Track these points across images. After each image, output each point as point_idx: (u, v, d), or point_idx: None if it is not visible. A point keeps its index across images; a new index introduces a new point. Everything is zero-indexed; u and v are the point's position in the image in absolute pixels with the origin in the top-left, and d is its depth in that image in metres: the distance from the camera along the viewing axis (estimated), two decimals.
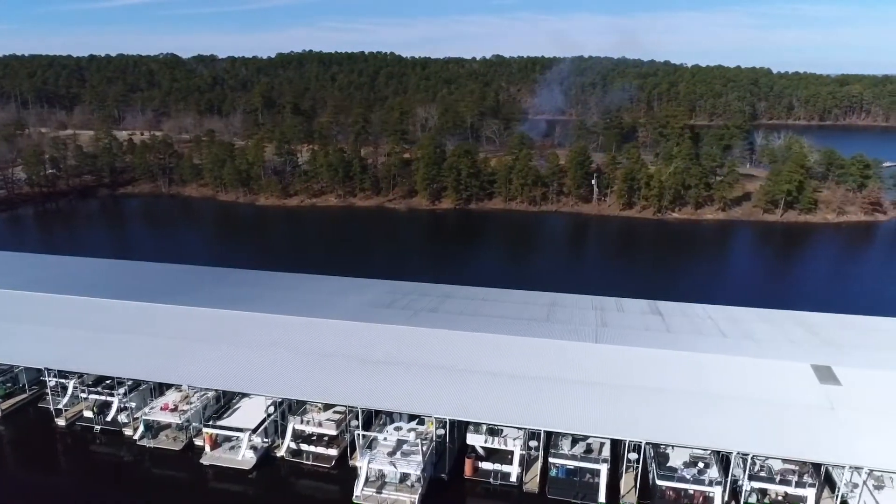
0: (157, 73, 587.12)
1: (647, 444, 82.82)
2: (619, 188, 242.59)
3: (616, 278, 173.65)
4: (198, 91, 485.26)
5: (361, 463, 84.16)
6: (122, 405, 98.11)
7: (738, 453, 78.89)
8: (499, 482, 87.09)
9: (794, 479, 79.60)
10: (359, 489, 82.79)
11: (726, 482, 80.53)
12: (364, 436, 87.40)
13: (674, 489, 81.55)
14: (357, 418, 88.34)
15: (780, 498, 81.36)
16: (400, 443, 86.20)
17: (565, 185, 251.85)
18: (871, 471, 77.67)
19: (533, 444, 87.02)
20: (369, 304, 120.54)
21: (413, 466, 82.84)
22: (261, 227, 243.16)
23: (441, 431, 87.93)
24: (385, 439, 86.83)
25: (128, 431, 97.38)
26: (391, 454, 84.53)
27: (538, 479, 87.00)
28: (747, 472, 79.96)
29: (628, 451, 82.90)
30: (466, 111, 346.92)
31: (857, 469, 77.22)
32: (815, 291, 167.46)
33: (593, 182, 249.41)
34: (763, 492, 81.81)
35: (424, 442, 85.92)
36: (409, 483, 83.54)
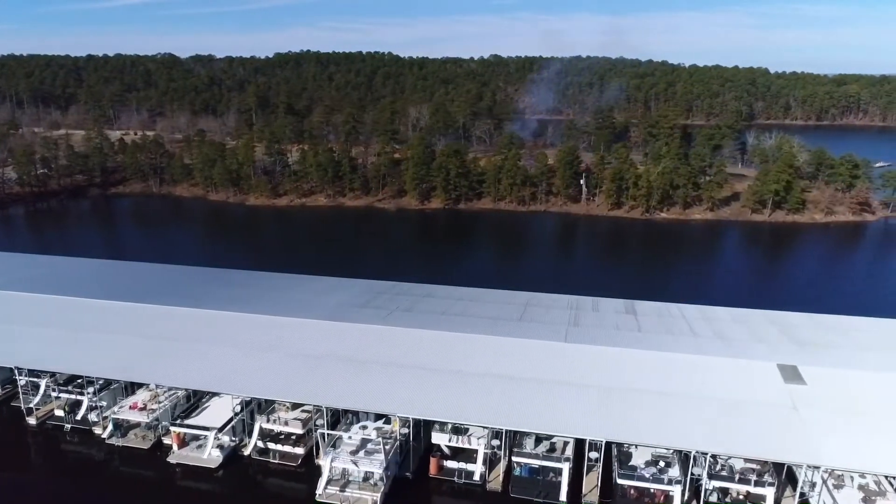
0: (154, 73, 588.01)
1: (609, 443, 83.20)
2: (608, 188, 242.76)
3: (601, 278, 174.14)
4: (194, 91, 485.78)
5: (324, 462, 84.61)
6: (93, 404, 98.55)
7: (697, 452, 79.16)
8: (463, 481, 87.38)
9: (754, 477, 79.89)
10: (321, 488, 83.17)
11: (686, 481, 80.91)
12: (329, 435, 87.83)
13: (636, 488, 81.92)
14: (323, 417, 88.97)
15: (741, 497, 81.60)
16: (364, 442, 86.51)
17: (554, 185, 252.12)
18: (831, 470, 78.08)
19: (495, 442, 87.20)
20: (346, 303, 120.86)
21: (376, 465, 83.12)
22: (249, 226, 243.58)
23: (405, 430, 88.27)
24: (350, 438, 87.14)
25: (98, 430, 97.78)
26: (354, 453, 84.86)
27: (501, 478, 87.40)
28: (707, 471, 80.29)
29: (589, 451, 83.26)
30: (459, 111, 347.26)
31: (815, 468, 77.51)
32: (796, 291, 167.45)
33: (582, 182, 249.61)
34: (725, 491, 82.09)
35: (388, 441, 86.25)
36: (372, 482, 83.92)
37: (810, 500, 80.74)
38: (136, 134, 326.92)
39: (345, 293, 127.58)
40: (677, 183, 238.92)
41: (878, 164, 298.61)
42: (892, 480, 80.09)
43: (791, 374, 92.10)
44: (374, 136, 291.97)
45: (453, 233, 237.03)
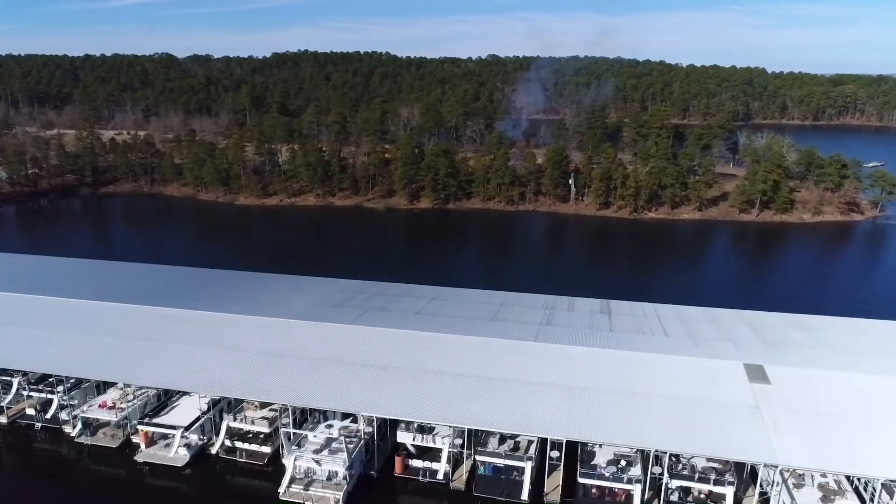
0: (151, 72, 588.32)
1: (574, 442, 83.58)
2: (596, 188, 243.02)
3: (584, 278, 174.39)
4: (190, 91, 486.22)
5: (288, 461, 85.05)
6: (63, 403, 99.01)
7: (657, 451, 79.51)
8: (427, 480, 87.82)
9: (714, 476, 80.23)
10: (284, 486, 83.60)
11: (646, 480, 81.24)
12: (295, 433, 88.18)
13: (597, 487, 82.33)
14: (289, 416, 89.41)
15: (702, 496, 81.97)
16: (329, 441, 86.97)
17: (543, 184, 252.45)
18: (791, 469, 78.47)
19: (458, 441, 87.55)
20: (321, 303, 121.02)
21: (339, 464, 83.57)
22: (238, 226, 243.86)
23: (370, 430, 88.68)
24: (315, 437, 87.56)
25: (68, 429, 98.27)
26: (318, 452, 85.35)
27: (465, 476, 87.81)
28: (667, 469, 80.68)
29: (550, 450, 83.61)
30: (451, 111, 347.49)
31: (773, 467, 77.80)
32: (776, 291, 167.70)
33: (571, 182, 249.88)
34: (687, 490, 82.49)
35: (353, 440, 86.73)
36: (335, 481, 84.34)
37: (771, 498, 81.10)
38: (128, 134, 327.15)
39: (322, 292, 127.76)
40: (665, 183, 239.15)
41: (871, 164, 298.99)
42: (856, 479, 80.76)
43: (757, 373, 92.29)
44: (363, 135, 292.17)
45: (441, 233, 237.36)
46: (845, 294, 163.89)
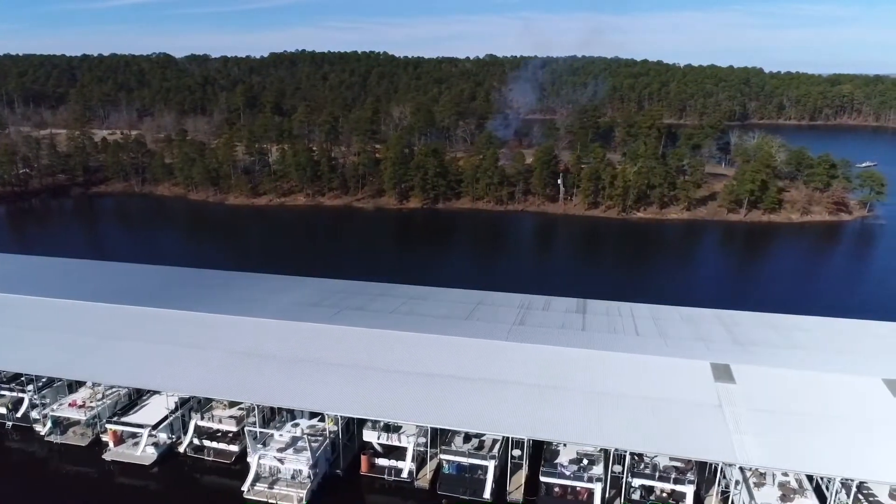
0: (148, 72, 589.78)
1: (538, 441, 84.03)
2: (585, 187, 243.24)
3: (569, 277, 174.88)
4: (187, 90, 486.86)
5: (252, 459, 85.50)
6: (34, 402, 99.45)
7: (617, 450, 79.81)
8: (393, 478, 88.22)
9: (675, 475, 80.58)
10: (247, 485, 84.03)
11: (608, 479, 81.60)
12: (261, 433, 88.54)
13: (559, 485, 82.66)
14: (256, 415, 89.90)
15: (664, 494, 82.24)
16: (294, 440, 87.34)
17: (532, 184, 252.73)
18: (752, 468, 78.73)
19: (421, 440, 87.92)
20: (299, 302, 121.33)
21: (302, 463, 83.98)
22: (227, 226, 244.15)
23: (335, 428, 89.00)
24: (280, 436, 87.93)
25: (38, 428, 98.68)
26: (283, 451, 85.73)
27: (430, 475, 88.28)
28: (628, 468, 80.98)
29: (512, 448, 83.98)
30: (443, 111, 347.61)
31: (732, 466, 78.12)
32: (759, 291, 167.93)
33: (559, 182, 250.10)
34: (649, 488, 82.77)
35: (318, 439, 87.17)
36: (299, 480, 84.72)
37: (732, 497, 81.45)
38: (121, 133, 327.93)
39: (301, 292, 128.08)
40: (653, 182, 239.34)
41: (864, 164, 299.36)
42: (817, 478, 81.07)
43: (723, 372, 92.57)
44: (354, 135, 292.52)
45: (429, 232, 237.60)
46: (827, 294, 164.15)
